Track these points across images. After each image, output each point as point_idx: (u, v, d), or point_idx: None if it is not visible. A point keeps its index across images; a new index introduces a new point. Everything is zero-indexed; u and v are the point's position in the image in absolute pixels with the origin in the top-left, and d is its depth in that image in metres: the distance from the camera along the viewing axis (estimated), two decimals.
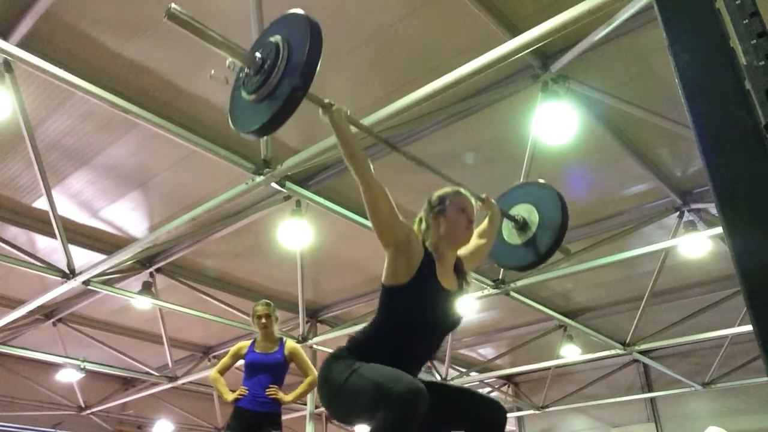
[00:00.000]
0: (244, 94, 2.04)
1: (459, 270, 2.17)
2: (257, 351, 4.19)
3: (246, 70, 2.05)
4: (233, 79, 2.15)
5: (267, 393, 4.01)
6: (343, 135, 2.03)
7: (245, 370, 4.18)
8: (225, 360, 4.30)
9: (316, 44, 1.90)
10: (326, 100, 2.09)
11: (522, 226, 2.73)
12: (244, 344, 4.29)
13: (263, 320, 4.22)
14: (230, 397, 4.07)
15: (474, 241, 2.33)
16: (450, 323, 2.10)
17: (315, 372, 4.20)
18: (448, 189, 2.24)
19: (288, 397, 4.07)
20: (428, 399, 1.68)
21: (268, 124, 1.94)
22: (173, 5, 1.92)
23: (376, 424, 1.67)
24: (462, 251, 2.23)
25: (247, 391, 4.02)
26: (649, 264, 6.57)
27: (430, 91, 3.36)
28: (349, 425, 1.78)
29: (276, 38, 2.00)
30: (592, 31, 3.65)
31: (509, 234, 2.79)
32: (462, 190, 2.23)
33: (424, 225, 2.17)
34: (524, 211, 2.76)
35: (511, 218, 2.74)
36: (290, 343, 4.30)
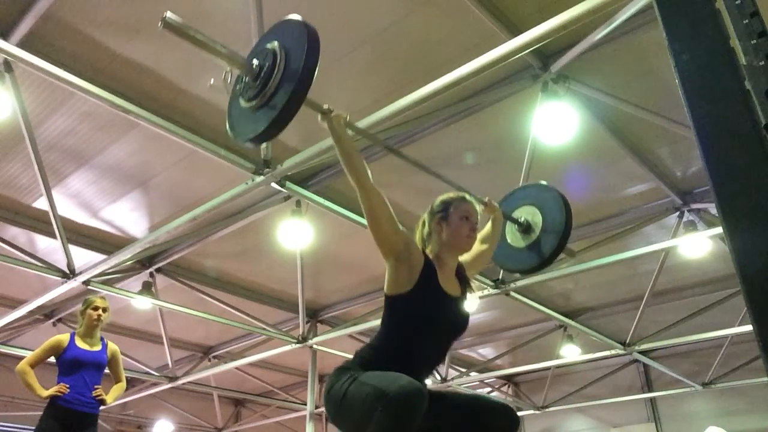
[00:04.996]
0: (242, 101, 2.01)
1: (461, 275, 2.11)
2: (81, 347, 3.86)
3: (244, 78, 2.02)
4: (231, 87, 2.12)
5: (94, 394, 3.77)
6: (341, 143, 2.00)
7: (64, 366, 3.85)
8: (38, 353, 3.93)
9: (313, 50, 1.86)
10: (325, 106, 2.05)
11: (525, 228, 2.69)
12: (63, 338, 3.93)
13: (100, 313, 3.88)
14: (45, 393, 3.71)
15: (476, 247, 2.27)
16: (456, 328, 2.04)
17: (124, 379, 4.21)
18: (452, 194, 2.17)
19: (110, 399, 3.83)
20: (426, 398, 1.63)
21: (266, 132, 1.90)
22: (169, 14, 1.87)
23: (373, 426, 1.62)
24: (464, 257, 2.18)
25: (68, 389, 3.72)
26: (649, 264, 6.57)
27: (430, 91, 3.35)
28: None
29: (273, 45, 1.96)
30: (592, 31, 3.65)
31: (513, 237, 2.75)
32: (467, 196, 2.16)
33: (426, 229, 2.13)
34: (527, 213, 2.72)
35: (515, 221, 2.70)
36: (112, 345, 4.05)
